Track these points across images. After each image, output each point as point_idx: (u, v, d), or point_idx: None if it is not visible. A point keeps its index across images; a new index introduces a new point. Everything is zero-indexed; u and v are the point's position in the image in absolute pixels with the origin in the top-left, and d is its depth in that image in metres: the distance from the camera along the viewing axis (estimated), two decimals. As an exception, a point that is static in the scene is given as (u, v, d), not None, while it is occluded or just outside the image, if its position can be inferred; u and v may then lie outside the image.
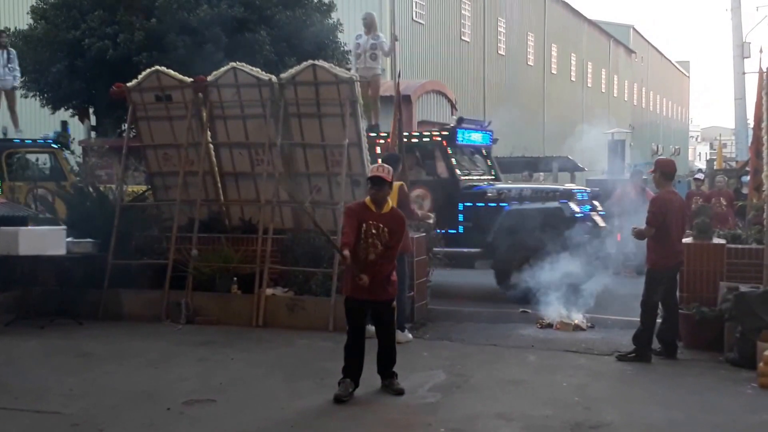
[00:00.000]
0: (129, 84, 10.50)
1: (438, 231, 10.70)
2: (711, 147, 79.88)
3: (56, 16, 17.95)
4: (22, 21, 20.24)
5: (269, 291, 9.34)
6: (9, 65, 14.03)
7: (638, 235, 7.96)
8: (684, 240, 8.29)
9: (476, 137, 12.63)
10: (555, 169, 22.85)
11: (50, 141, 13.88)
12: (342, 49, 18.88)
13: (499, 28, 36.19)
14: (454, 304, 10.70)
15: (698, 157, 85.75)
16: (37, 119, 22.13)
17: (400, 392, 6.53)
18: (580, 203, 11.35)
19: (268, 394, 6.64)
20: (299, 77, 9.69)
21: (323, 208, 9.83)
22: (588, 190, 12.17)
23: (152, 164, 10.85)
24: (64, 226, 9.72)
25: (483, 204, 11.47)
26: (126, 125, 11.90)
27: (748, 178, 11.97)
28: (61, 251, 9.25)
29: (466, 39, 32.63)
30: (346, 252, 6.23)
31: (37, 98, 19.10)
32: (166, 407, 6.19)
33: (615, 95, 53.78)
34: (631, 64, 57.78)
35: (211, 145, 10.46)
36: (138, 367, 7.48)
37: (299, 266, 9.42)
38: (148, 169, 10.99)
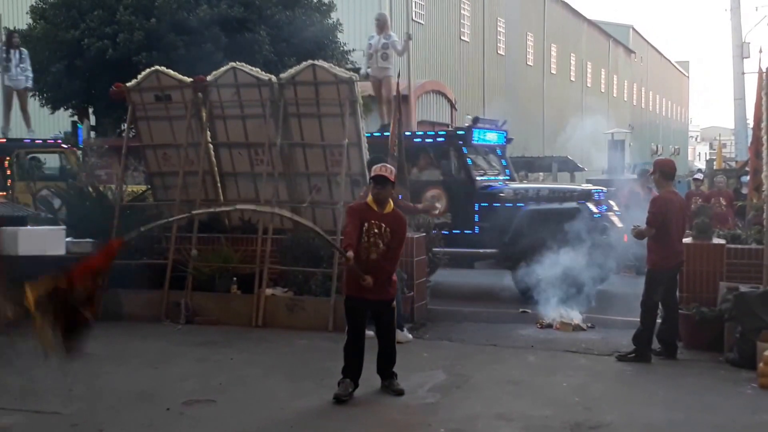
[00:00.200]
0: (128, 84, 10.50)
1: (453, 231, 10.63)
2: (711, 147, 79.93)
3: (56, 16, 17.96)
4: (22, 21, 20.23)
5: (269, 291, 9.33)
6: (21, 65, 14.04)
7: (638, 235, 7.95)
8: (684, 240, 8.28)
9: (491, 137, 12.47)
10: (554, 169, 22.85)
11: (61, 141, 13.92)
12: (341, 49, 18.89)
13: (498, 28, 36.21)
14: (454, 304, 10.69)
15: (698, 157, 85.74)
16: (37, 119, 22.08)
17: (399, 392, 6.53)
18: (597, 203, 11.17)
19: (267, 395, 6.63)
20: (299, 77, 9.69)
21: (323, 208, 9.83)
22: (604, 189, 11.92)
23: (152, 164, 10.85)
24: (63, 227, 9.71)
25: (499, 204, 11.22)
26: (125, 125, 11.90)
27: (747, 178, 11.97)
28: (61, 251, 9.24)
29: (466, 39, 32.64)
30: (350, 253, 6.24)
31: (37, 98, 19.09)
32: (165, 407, 6.19)
33: (614, 95, 53.78)
34: (631, 64, 57.80)
35: (211, 145, 10.46)
36: (138, 367, 7.48)
37: (299, 266, 9.41)
38: (148, 169, 10.99)
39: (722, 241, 8.80)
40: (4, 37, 14.39)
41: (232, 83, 9.98)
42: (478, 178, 11.57)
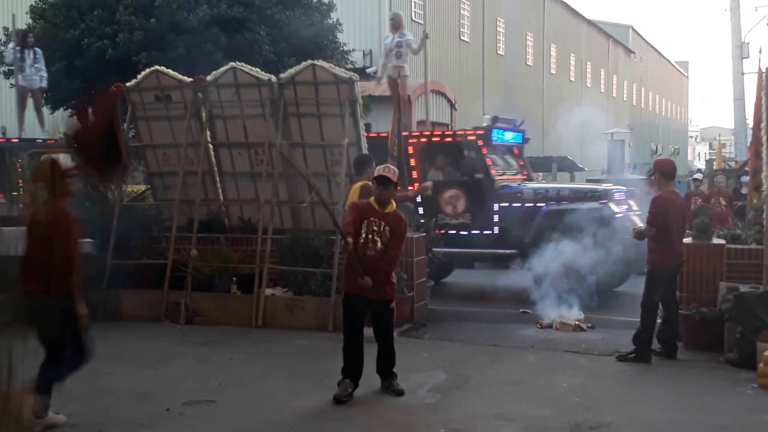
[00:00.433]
0: (128, 84, 10.50)
1: (472, 232, 10.58)
2: (710, 147, 79.97)
3: (55, 16, 17.92)
4: (22, 21, 20.20)
5: (268, 291, 9.33)
6: (35, 65, 14.00)
7: (638, 235, 7.95)
8: (684, 240, 8.28)
9: (509, 137, 12.41)
10: (554, 169, 22.86)
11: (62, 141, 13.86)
12: (341, 49, 18.87)
13: (498, 28, 36.19)
14: (454, 304, 10.69)
15: (697, 157, 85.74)
16: (35, 119, 22.06)
17: (399, 393, 6.53)
18: (618, 203, 11.08)
19: (267, 395, 6.63)
20: (299, 77, 9.68)
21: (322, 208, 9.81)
22: (624, 189, 11.78)
23: (151, 164, 10.85)
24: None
25: (519, 204, 11.15)
26: (125, 125, 11.88)
27: (747, 178, 11.98)
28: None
29: (466, 39, 32.63)
30: (350, 239, 6.26)
31: (36, 98, 19.06)
32: (165, 407, 6.19)
33: (614, 95, 53.77)
34: (630, 64, 57.77)
35: (211, 145, 10.45)
36: (137, 367, 7.47)
37: (298, 266, 9.41)
38: (148, 169, 10.99)
39: (722, 241, 8.79)
40: (17, 38, 14.30)
41: (231, 83, 9.98)
42: (497, 177, 11.48)
